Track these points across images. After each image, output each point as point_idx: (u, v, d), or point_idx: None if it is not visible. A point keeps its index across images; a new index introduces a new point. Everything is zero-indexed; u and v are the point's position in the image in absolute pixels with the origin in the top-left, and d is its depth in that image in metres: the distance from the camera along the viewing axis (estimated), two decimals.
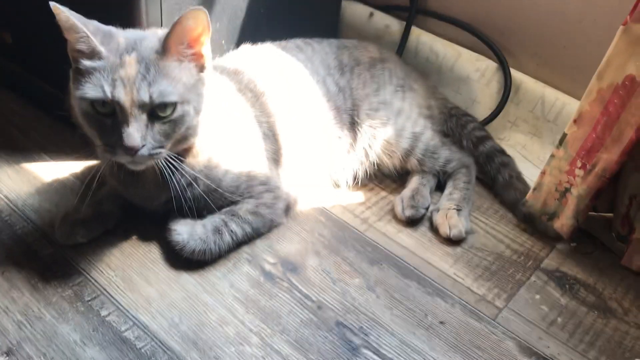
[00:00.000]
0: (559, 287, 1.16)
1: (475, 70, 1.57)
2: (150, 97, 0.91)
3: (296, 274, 1.11)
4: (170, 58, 0.94)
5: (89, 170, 1.22)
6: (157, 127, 0.93)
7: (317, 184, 1.29)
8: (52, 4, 0.89)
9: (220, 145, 1.09)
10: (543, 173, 1.23)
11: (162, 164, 0.97)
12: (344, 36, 1.74)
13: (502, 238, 1.26)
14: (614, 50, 1.07)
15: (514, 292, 1.14)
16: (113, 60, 0.91)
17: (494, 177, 1.35)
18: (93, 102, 0.92)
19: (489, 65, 1.56)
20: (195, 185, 1.06)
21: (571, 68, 1.47)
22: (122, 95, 0.90)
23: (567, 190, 1.20)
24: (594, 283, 1.18)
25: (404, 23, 1.66)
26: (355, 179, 1.33)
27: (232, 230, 1.09)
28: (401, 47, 1.65)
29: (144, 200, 1.09)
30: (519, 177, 1.34)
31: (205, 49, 0.98)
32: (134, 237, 1.13)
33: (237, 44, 1.34)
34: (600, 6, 1.36)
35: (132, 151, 0.91)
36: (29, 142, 1.34)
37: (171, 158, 0.98)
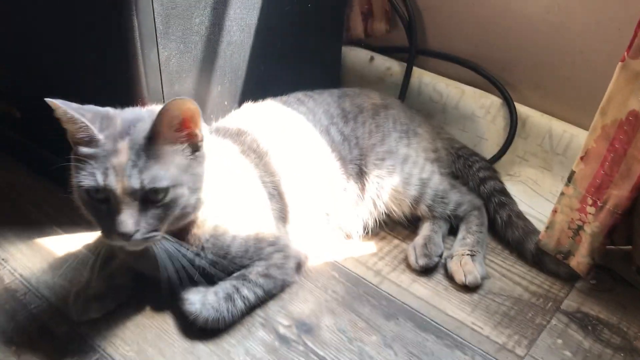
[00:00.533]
0: (581, 329, 1.14)
1: (479, 107, 1.56)
2: (141, 183, 0.92)
3: (311, 335, 1.10)
4: (161, 142, 0.94)
5: (101, 242, 1.23)
6: (151, 211, 0.94)
7: (328, 237, 1.28)
8: (48, 100, 0.91)
9: (226, 212, 1.10)
10: (555, 211, 1.21)
11: (158, 248, 0.98)
12: (346, 82, 1.75)
13: (519, 280, 1.24)
14: (615, 86, 1.06)
15: (534, 337, 1.11)
16: (108, 147, 0.93)
17: (493, 218, 1.34)
18: (88, 190, 0.93)
19: (493, 101, 1.56)
20: (203, 254, 1.06)
21: (576, 99, 1.45)
22: (114, 184, 0.91)
23: (580, 228, 1.18)
24: (618, 322, 1.15)
25: (405, 65, 1.67)
26: (365, 229, 1.32)
27: (244, 296, 1.08)
28: (404, 89, 1.66)
29: (154, 271, 1.10)
30: (518, 215, 1.32)
31: (198, 130, 0.97)
32: (147, 309, 1.13)
33: (240, 103, 1.35)
34: (601, 36, 1.35)
35: (126, 237, 0.92)
36: (42, 215, 1.35)
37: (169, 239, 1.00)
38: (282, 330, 1.10)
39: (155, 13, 1.08)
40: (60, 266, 1.22)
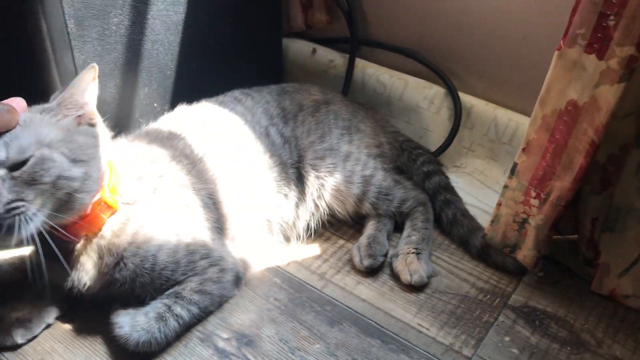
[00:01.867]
0: (528, 325, 1.11)
1: (423, 98, 1.53)
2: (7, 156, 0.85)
3: (252, 347, 1.05)
4: None
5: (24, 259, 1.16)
6: (15, 177, 0.85)
7: (269, 243, 1.23)
8: None
9: (150, 219, 1.03)
10: (499, 204, 1.18)
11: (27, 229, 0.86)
12: (289, 75, 1.70)
13: (467, 277, 1.21)
14: (552, 75, 1.03)
15: (482, 336, 1.09)
16: None
17: (439, 215, 1.31)
18: None
19: (437, 92, 1.52)
20: (123, 265, 1.00)
21: (520, 87, 1.43)
22: None
23: (525, 220, 1.15)
24: (565, 315, 1.14)
25: (348, 56, 1.62)
26: (308, 231, 1.28)
27: (177, 315, 1.02)
28: (347, 81, 1.61)
29: (79, 288, 1.03)
30: (463, 213, 1.29)
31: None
32: (78, 330, 1.07)
33: (172, 105, 1.29)
34: (543, 21, 1.33)
35: None
36: None
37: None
38: (221, 344, 1.05)
39: (65, 15, 1.01)
40: None
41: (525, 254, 1.17)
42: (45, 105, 0.93)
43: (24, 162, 0.85)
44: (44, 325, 1.05)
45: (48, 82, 1.04)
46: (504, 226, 1.19)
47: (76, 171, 0.90)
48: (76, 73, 1.06)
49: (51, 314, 1.07)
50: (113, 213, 1.00)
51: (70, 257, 1.00)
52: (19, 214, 0.84)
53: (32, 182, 0.86)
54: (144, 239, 1.02)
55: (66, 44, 1.03)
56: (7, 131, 0.86)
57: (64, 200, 0.91)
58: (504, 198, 1.17)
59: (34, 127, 0.89)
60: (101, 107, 1.14)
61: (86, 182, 0.92)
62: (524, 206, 1.14)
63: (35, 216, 0.87)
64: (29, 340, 1.04)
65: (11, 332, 1.03)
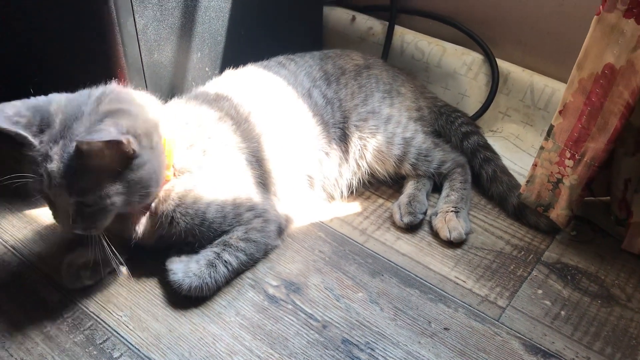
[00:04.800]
0: (560, 280, 1.17)
1: (462, 65, 1.57)
2: (70, 194, 0.94)
3: (299, 294, 1.13)
4: (87, 158, 0.93)
5: None
6: (86, 213, 0.98)
7: (312, 199, 1.30)
8: None
9: (199, 181, 1.11)
10: (535, 165, 1.23)
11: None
12: (328, 42, 1.75)
13: (502, 234, 1.27)
14: (591, 40, 1.07)
15: (516, 289, 1.15)
16: (43, 151, 0.94)
17: (478, 173, 1.36)
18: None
19: (475, 58, 1.56)
20: (175, 222, 1.09)
21: (557, 53, 1.46)
22: (47, 190, 0.95)
23: (559, 180, 1.20)
24: (596, 271, 1.19)
25: (387, 23, 1.66)
26: (350, 189, 1.35)
27: (226, 261, 1.11)
28: (386, 48, 1.66)
29: (138, 239, 1.12)
30: (503, 170, 1.34)
31: (129, 149, 0.95)
32: (138, 275, 1.16)
33: (221, 69, 1.36)
34: None
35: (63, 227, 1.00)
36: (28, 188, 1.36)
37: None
38: (271, 290, 1.13)
39: None
40: (50, 236, 1.24)
41: (559, 212, 1.22)
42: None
43: (83, 203, 0.97)
44: (108, 269, 1.15)
45: (112, 44, 1.12)
46: (538, 186, 1.24)
47: (135, 198, 1.01)
48: (137, 36, 1.14)
49: (114, 260, 1.16)
50: (166, 182, 1.09)
51: (131, 215, 1.09)
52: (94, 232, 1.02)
53: (99, 217, 1.00)
54: (193, 199, 1.11)
55: (129, 9, 1.10)
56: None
57: (121, 214, 1.04)
58: (540, 159, 1.22)
59: (91, 169, 0.96)
60: (158, 69, 1.22)
61: (145, 200, 1.04)
62: (558, 167, 1.19)
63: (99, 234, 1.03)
64: (96, 282, 1.13)
65: (79, 275, 1.12)
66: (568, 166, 1.17)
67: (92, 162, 0.93)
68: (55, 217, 1.01)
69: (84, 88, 1.04)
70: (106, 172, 0.95)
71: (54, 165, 0.93)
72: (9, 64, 1.36)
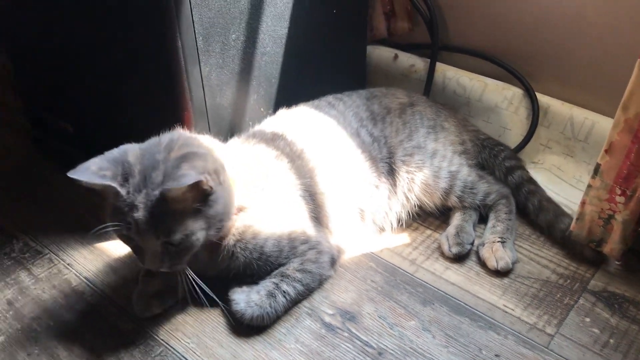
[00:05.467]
0: (607, 308, 1.21)
1: (502, 99, 1.63)
2: (157, 237, 1.03)
3: (354, 322, 1.19)
4: (170, 201, 1.02)
5: None
6: (172, 251, 1.06)
7: (363, 231, 1.37)
8: (70, 175, 1.01)
9: (257, 218, 1.19)
10: (583, 203, 1.26)
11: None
12: (372, 80, 1.82)
13: (547, 263, 1.31)
14: (635, 82, 1.11)
15: (563, 317, 1.19)
16: (129, 201, 1.02)
17: (524, 205, 1.42)
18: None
19: (515, 93, 1.62)
20: (234, 257, 1.17)
21: (596, 87, 1.51)
22: (135, 236, 1.04)
23: (610, 217, 1.23)
24: None
25: (429, 60, 1.74)
26: (399, 221, 1.41)
27: (284, 291, 1.18)
28: (428, 84, 1.73)
29: (201, 271, 1.20)
30: (548, 199, 1.39)
31: (205, 187, 1.03)
32: (204, 304, 1.22)
33: (275, 109, 1.44)
34: (617, 24, 1.41)
35: (152, 269, 1.09)
36: (98, 222, 1.45)
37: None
38: (327, 318, 1.20)
39: (196, 33, 1.18)
40: (120, 268, 1.33)
41: (612, 247, 1.25)
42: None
43: (170, 242, 1.06)
44: (175, 298, 1.23)
45: (180, 90, 1.21)
46: (589, 223, 1.27)
47: (212, 231, 1.09)
48: (202, 82, 1.23)
49: (180, 290, 1.24)
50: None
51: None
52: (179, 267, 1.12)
53: (184, 253, 1.08)
54: (252, 235, 1.19)
55: (195, 58, 1.20)
56: None
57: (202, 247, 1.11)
58: (588, 197, 1.25)
59: (173, 211, 1.04)
60: (220, 111, 1.32)
61: (221, 232, 1.13)
62: (609, 203, 1.23)
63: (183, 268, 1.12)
64: (165, 311, 1.21)
65: (149, 304, 1.20)
66: (619, 202, 1.21)
67: (176, 205, 1.02)
68: (141, 260, 1.09)
69: (153, 131, 1.13)
70: (188, 212, 1.04)
71: (141, 213, 1.01)
72: (83, 106, 1.47)
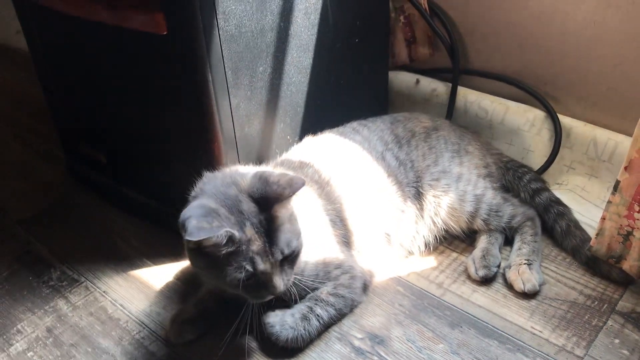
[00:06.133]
0: (637, 329, 1.21)
1: (525, 121, 1.65)
2: (283, 253, 1.08)
3: (383, 346, 1.21)
4: (272, 211, 1.08)
5: (188, 271, 1.38)
6: (287, 264, 1.11)
7: (390, 255, 1.39)
8: (192, 239, 1.01)
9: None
10: (603, 219, 1.28)
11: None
12: (394, 105, 1.86)
13: (574, 285, 1.32)
14: None
15: (592, 338, 1.19)
16: (244, 239, 1.05)
17: (552, 227, 1.43)
18: (241, 279, 1.06)
19: (537, 115, 1.64)
20: None
21: (617, 108, 1.52)
22: (263, 266, 1.07)
23: (629, 233, 1.25)
24: None
25: (450, 85, 1.77)
26: (426, 245, 1.43)
27: (318, 315, 1.20)
28: (450, 108, 1.76)
29: (237, 297, 1.22)
30: (576, 225, 1.40)
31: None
32: (238, 329, 1.26)
33: (301, 137, 1.48)
34: (637, 47, 1.42)
35: (277, 294, 1.12)
36: (132, 249, 1.51)
37: None
38: (356, 342, 1.22)
39: (226, 67, 1.22)
40: (153, 294, 1.37)
41: (631, 264, 1.26)
42: None
43: (293, 252, 1.12)
44: (209, 325, 1.26)
45: (210, 121, 1.26)
46: (608, 239, 1.29)
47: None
48: (231, 114, 1.28)
49: (214, 316, 1.27)
50: None
51: None
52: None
53: (295, 261, 1.15)
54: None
55: (224, 90, 1.24)
56: None
57: None
58: (608, 212, 1.27)
59: (279, 221, 1.10)
60: (248, 141, 1.36)
61: None
62: (628, 220, 1.24)
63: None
64: (198, 337, 1.24)
65: (183, 330, 1.24)
66: (638, 219, 1.22)
67: (282, 216, 1.09)
68: (261, 296, 1.12)
69: (183, 163, 1.18)
70: (286, 217, 1.10)
71: (258, 242, 1.06)
72: (115, 138, 1.53)
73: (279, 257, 1.08)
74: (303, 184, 1.08)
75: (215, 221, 1.03)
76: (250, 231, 1.06)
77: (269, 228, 1.07)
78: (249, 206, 1.08)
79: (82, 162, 1.69)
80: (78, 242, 1.55)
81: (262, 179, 1.10)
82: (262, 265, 1.07)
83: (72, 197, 1.72)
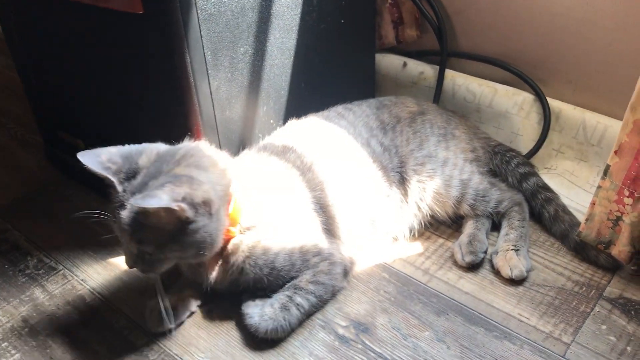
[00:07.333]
0: (624, 315, 1.19)
1: (513, 104, 1.62)
2: (132, 242, 1.06)
3: (368, 334, 1.18)
4: (149, 216, 1.03)
5: None
6: (146, 259, 1.08)
7: (375, 241, 1.36)
8: (79, 156, 1.05)
9: (266, 234, 1.19)
10: (593, 204, 1.26)
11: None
12: (381, 88, 1.82)
13: (562, 270, 1.30)
14: None
15: (579, 325, 1.18)
16: (123, 199, 1.05)
17: (540, 213, 1.40)
18: None
19: (525, 98, 1.61)
20: (244, 272, 1.17)
21: (607, 91, 1.50)
22: (118, 232, 1.08)
23: (619, 218, 1.23)
24: None
25: (438, 67, 1.73)
26: (411, 231, 1.40)
27: (298, 304, 1.17)
28: (438, 91, 1.72)
29: (207, 285, 1.19)
30: (564, 209, 1.38)
31: (184, 216, 1.03)
32: (216, 317, 1.23)
33: (284, 121, 1.45)
34: (628, 29, 1.40)
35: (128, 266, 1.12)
36: (111, 237, 1.46)
37: None
38: (340, 330, 1.19)
39: (205, 48, 1.18)
40: (133, 283, 1.33)
41: (620, 249, 1.24)
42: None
43: (143, 251, 1.09)
44: (188, 313, 1.23)
45: (189, 105, 1.22)
46: (598, 224, 1.26)
47: (189, 254, 1.10)
48: (211, 96, 1.24)
49: (193, 304, 1.24)
50: (231, 238, 1.17)
51: (204, 264, 1.18)
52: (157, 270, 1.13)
53: (157, 264, 1.10)
54: (262, 251, 1.18)
55: (204, 72, 1.20)
56: None
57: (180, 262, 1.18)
58: (598, 197, 1.25)
59: (151, 224, 1.06)
60: (229, 125, 1.32)
61: (201, 256, 1.11)
62: (617, 205, 1.22)
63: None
64: (178, 326, 1.21)
65: (162, 319, 1.20)
66: (627, 204, 1.20)
67: (151, 220, 1.03)
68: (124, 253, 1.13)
69: (166, 143, 1.15)
70: (163, 230, 1.04)
71: (125, 214, 1.03)
72: (93, 123, 1.48)
73: (129, 241, 1.06)
74: (148, 205, 1.00)
75: (115, 166, 1.08)
76: (129, 202, 1.03)
77: (140, 216, 1.03)
78: (151, 191, 1.03)
79: (61, 148, 1.64)
80: (56, 229, 1.51)
81: (169, 178, 1.06)
82: (117, 232, 1.09)
83: (51, 184, 1.68)
